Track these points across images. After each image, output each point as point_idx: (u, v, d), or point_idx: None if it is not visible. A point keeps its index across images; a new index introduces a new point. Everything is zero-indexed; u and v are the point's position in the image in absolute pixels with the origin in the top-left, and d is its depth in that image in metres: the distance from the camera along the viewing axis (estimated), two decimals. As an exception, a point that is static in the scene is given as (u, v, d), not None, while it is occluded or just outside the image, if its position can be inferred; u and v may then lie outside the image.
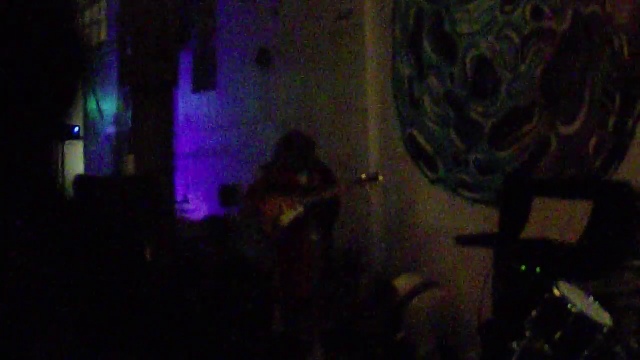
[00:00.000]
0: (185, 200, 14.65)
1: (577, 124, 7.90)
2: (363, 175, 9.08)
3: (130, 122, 13.49)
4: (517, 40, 8.49)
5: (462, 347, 8.22)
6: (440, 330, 8.52)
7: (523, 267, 7.30)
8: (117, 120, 16.64)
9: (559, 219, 7.49)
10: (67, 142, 18.08)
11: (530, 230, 7.62)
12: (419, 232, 9.70)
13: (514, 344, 5.63)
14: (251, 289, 9.51)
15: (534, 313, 5.65)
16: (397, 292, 9.01)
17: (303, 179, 9.04)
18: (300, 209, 8.89)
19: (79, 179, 14.22)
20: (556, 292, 5.62)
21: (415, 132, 9.78)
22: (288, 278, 9.03)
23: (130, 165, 12.23)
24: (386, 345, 8.41)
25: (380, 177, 8.94)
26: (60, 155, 17.63)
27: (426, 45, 9.59)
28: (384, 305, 9.01)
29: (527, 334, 5.58)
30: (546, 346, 5.45)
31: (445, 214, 9.36)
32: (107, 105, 17.58)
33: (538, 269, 7.25)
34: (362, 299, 9.62)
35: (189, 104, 15.00)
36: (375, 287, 9.47)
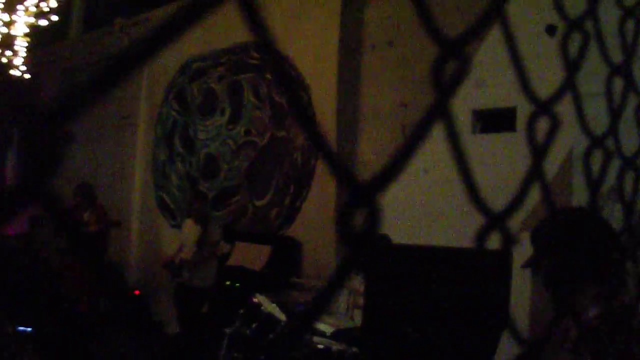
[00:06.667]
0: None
1: (266, 200, 8.21)
2: (113, 220, 8.91)
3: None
4: (234, 146, 8.74)
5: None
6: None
7: (228, 282, 7.46)
8: None
9: (251, 255, 7.71)
10: None
11: (234, 261, 7.79)
12: (162, 257, 9.58)
13: (227, 330, 5.75)
14: (44, 278, 9.07)
15: (241, 311, 5.82)
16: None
17: (86, 216, 8.69)
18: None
19: None
20: (255, 299, 5.83)
21: (164, 195, 9.77)
22: (67, 276, 8.58)
23: None
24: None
25: (119, 225, 8.90)
26: None
27: (177, 142, 9.66)
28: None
29: (237, 323, 5.73)
30: (248, 331, 5.62)
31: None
32: None
33: (237, 284, 7.44)
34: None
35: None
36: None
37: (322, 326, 5.70)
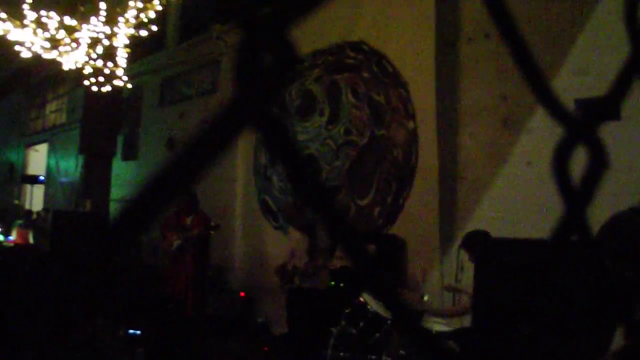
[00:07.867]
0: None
1: (368, 199, 8.14)
2: (212, 224, 8.89)
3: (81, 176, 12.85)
4: (334, 146, 8.71)
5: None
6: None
7: (332, 283, 7.42)
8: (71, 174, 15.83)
9: (355, 255, 7.64)
10: (35, 185, 17.29)
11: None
12: (266, 259, 9.65)
13: (333, 329, 5.71)
14: (151, 282, 9.32)
15: (347, 310, 5.78)
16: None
17: (189, 220, 8.83)
18: (180, 240, 8.70)
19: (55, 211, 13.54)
20: (362, 298, 5.77)
21: (266, 197, 9.85)
22: (173, 279, 8.79)
23: (88, 205, 11.58)
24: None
25: (218, 228, 8.86)
26: (30, 193, 16.80)
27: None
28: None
29: (343, 323, 5.69)
30: (354, 330, 5.57)
31: (282, 248, 9.37)
32: (63, 163, 16.84)
33: (342, 285, 7.39)
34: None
35: (120, 168, 14.54)
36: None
37: (428, 324, 5.59)
